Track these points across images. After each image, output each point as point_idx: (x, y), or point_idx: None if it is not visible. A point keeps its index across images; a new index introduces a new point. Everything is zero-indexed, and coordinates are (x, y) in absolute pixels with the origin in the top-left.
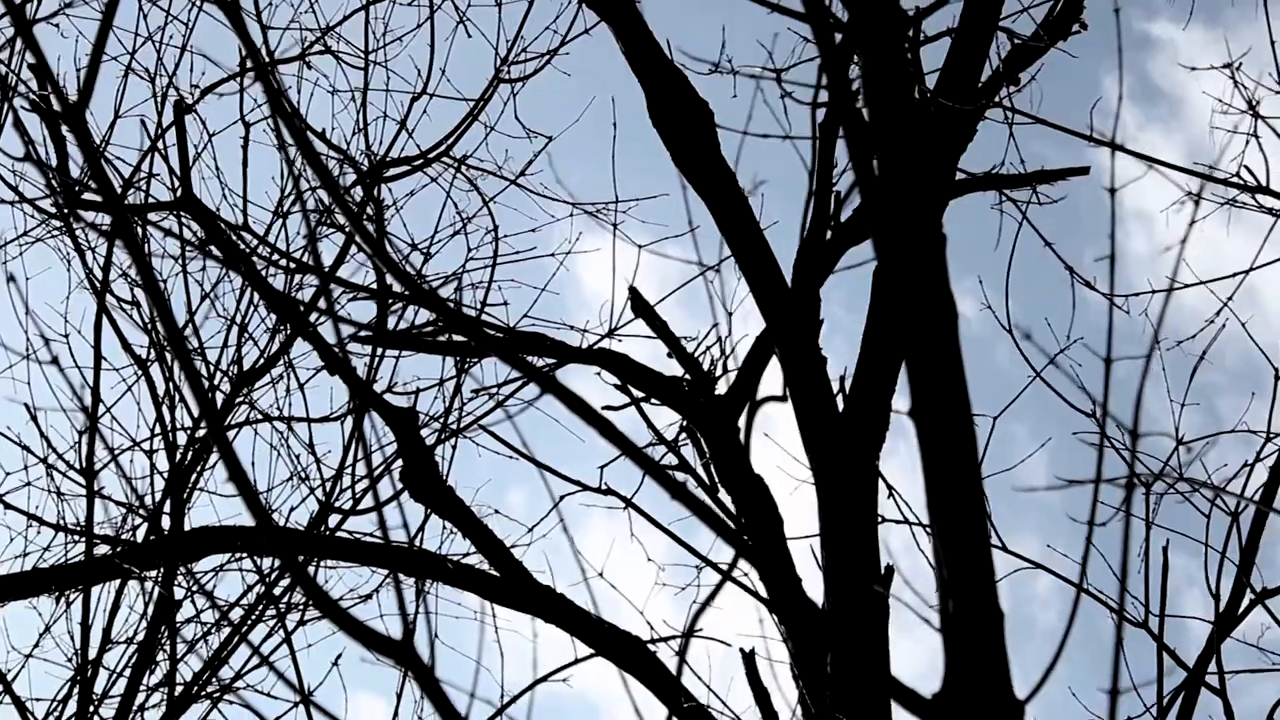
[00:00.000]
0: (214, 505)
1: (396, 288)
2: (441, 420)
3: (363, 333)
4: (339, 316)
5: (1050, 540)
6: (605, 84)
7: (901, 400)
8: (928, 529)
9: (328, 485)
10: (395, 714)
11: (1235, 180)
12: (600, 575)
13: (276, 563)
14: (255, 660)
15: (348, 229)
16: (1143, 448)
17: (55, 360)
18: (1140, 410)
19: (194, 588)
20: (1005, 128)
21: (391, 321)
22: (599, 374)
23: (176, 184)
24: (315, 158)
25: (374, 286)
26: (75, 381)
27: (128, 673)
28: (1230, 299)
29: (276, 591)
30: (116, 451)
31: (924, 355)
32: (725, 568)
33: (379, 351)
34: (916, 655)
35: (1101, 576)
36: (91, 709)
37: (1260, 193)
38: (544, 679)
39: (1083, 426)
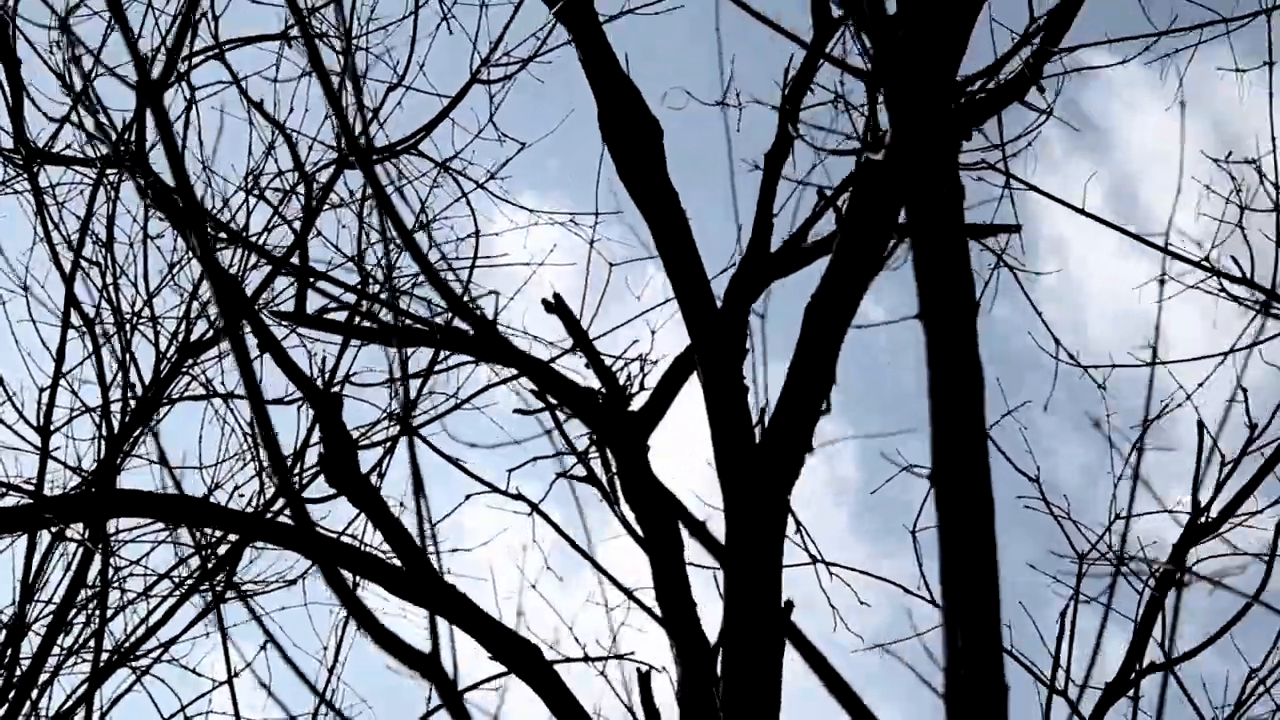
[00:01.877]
0: (154, 474)
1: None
2: (404, 416)
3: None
4: (321, 278)
5: None
6: (585, 96)
7: (920, 457)
8: (831, 568)
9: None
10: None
11: (1203, 264)
12: (534, 587)
13: (214, 537)
14: (182, 635)
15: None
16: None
17: None
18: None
19: (125, 554)
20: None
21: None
22: (517, 377)
23: (129, 145)
24: (358, 148)
25: (305, 265)
26: (29, 339)
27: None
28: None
29: (210, 565)
30: (75, 414)
31: (950, 422)
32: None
33: (348, 341)
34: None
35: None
36: (14, 672)
37: (1215, 275)
38: (476, 686)
39: (1025, 490)
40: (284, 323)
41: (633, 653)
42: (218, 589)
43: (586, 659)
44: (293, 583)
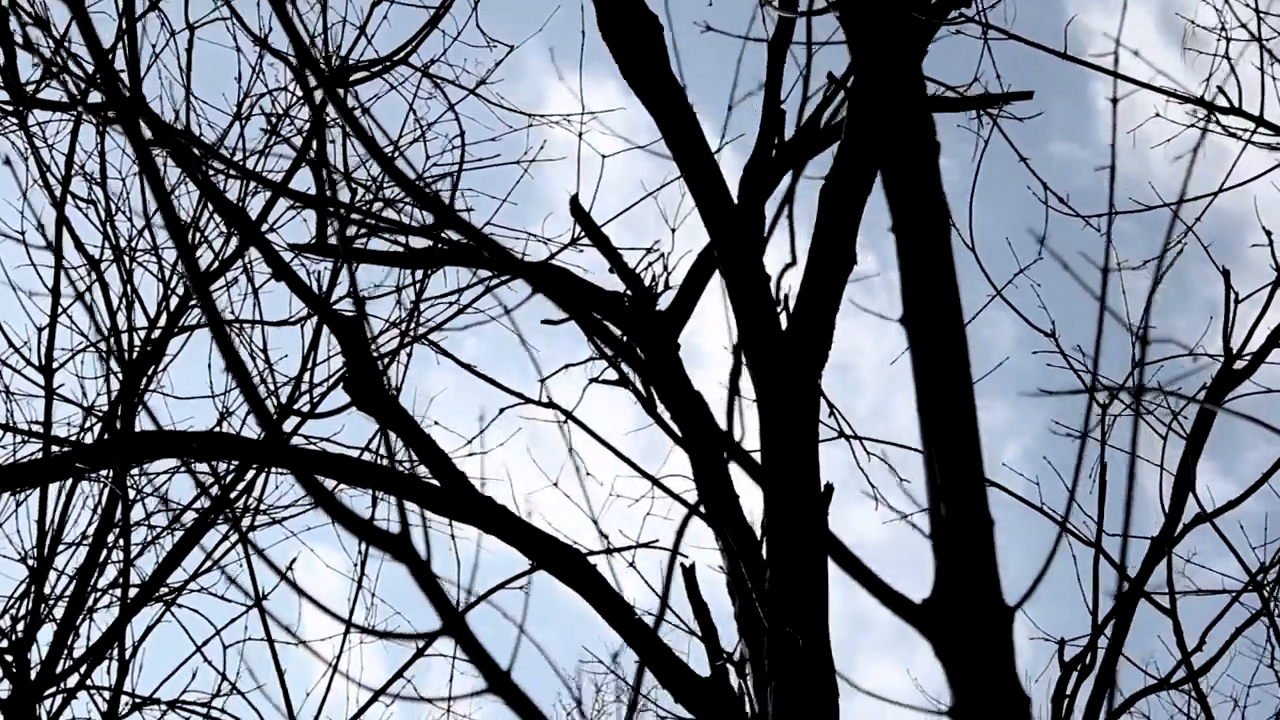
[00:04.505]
0: (168, 409)
1: (359, 190)
2: (392, 326)
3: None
4: (329, 205)
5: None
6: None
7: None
8: (866, 445)
9: (283, 391)
10: (350, 615)
11: (1222, 107)
12: (555, 485)
13: (233, 467)
14: (208, 564)
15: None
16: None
17: None
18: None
19: (147, 490)
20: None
21: (350, 231)
22: (541, 287)
23: (126, 86)
24: (307, 55)
25: (322, 195)
26: (33, 280)
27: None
28: (1199, 220)
29: (232, 496)
30: (75, 350)
31: (916, 261)
32: (665, 482)
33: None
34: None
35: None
36: (44, 612)
37: (1231, 113)
38: (501, 586)
39: (1042, 346)
40: (307, 255)
41: (657, 540)
42: (238, 515)
43: (610, 550)
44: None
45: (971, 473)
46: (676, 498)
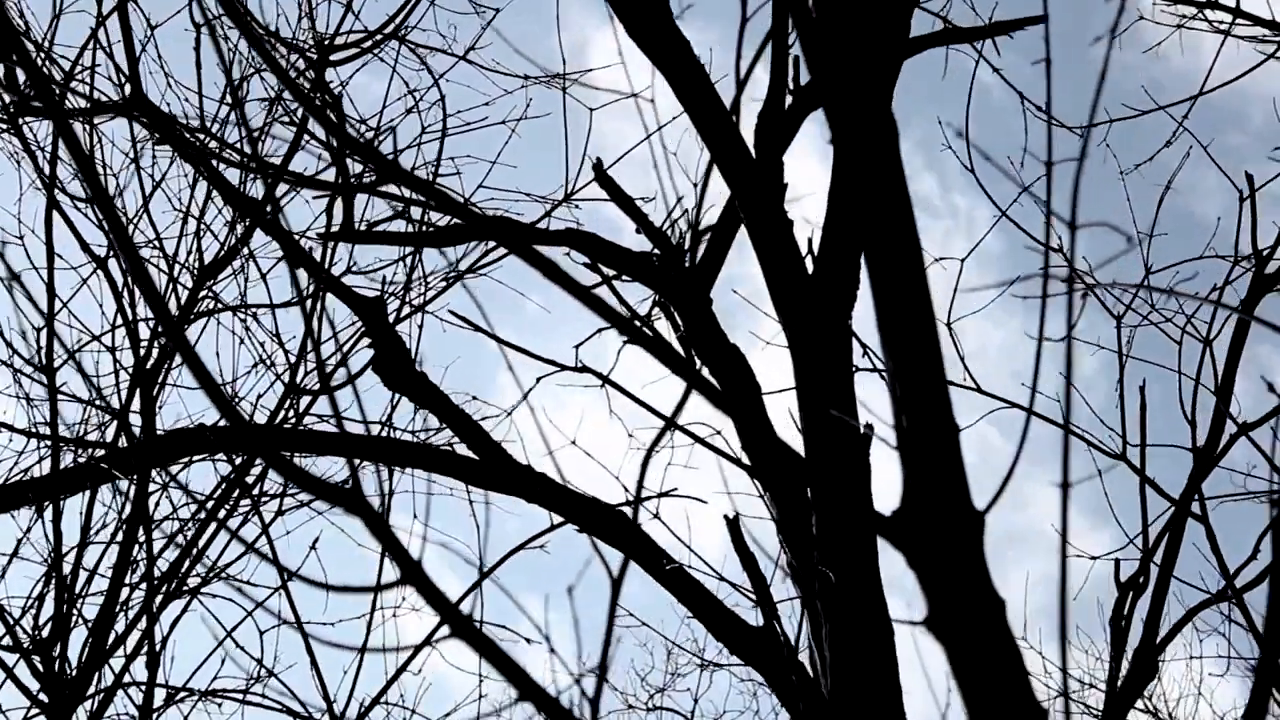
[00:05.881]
0: (181, 399)
1: (357, 169)
2: (401, 297)
3: (334, 229)
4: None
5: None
6: None
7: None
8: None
9: (293, 370)
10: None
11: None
12: (573, 443)
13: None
14: (234, 549)
15: (300, 113)
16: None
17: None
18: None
19: (169, 482)
20: None
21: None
22: (568, 254)
23: (124, 83)
24: (260, 42)
25: (336, 181)
26: (31, 283)
27: (109, 572)
28: (1185, 118)
29: (249, 480)
30: (75, 348)
31: (865, 185)
32: (700, 433)
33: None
34: None
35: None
36: (75, 609)
37: (1211, 7)
38: (522, 546)
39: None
40: (337, 241)
41: (676, 489)
42: (259, 501)
43: (630, 503)
44: (344, 484)
45: (933, 380)
46: (721, 453)
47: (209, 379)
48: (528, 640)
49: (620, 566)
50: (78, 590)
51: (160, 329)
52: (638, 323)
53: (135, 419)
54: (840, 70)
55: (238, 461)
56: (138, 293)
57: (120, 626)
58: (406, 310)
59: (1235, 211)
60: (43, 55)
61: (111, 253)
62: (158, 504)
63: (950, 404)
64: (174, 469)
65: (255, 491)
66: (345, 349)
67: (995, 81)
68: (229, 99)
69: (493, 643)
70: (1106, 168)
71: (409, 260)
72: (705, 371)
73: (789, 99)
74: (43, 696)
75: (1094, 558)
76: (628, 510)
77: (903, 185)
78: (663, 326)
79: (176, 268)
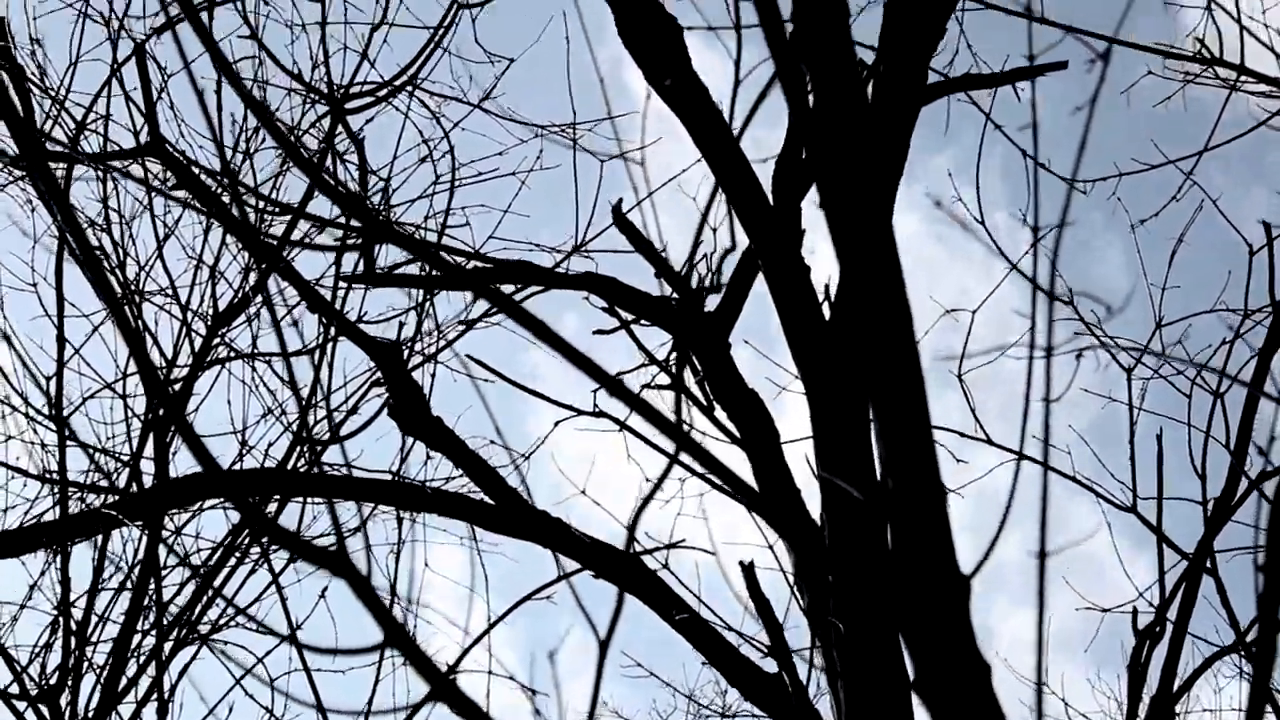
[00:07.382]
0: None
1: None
2: (411, 346)
3: (356, 273)
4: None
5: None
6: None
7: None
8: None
9: (302, 418)
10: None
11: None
12: (583, 493)
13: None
14: (242, 600)
15: (312, 164)
16: (1123, 333)
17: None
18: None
19: (180, 529)
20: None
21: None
22: (587, 298)
23: (141, 128)
24: (266, 114)
25: (355, 225)
26: (44, 330)
27: (120, 618)
28: (1191, 172)
29: (243, 540)
30: (86, 395)
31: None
32: (716, 480)
33: (347, 285)
34: None
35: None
36: (86, 656)
37: (1216, 64)
38: (529, 597)
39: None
40: (357, 284)
41: (684, 540)
42: (267, 547)
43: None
44: (356, 530)
45: (921, 444)
46: (736, 498)
47: (206, 453)
48: (533, 692)
49: (610, 624)
50: (87, 635)
51: (173, 369)
52: (657, 368)
53: (147, 464)
54: (838, 189)
55: (234, 522)
56: (148, 340)
57: (129, 672)
58: (418, 359)
59: (1246, 263)
60: (57, 105)
61: (114, 310)
62: (169, 551)
63: (938, 467)
64: (183, 516)
65: (239, 551)
66: (356, 398)
67: (1028, 117)
68: (241, 149)
69: (483, 712)
70: (1116, 219)
71: (420, 309)
72: (723, 417)
73: (805, 150)
74: None
75: (1105, 610)
76: (646, 558)
77: (900, 284)
78: (654, 396)
79: (190, 316)
